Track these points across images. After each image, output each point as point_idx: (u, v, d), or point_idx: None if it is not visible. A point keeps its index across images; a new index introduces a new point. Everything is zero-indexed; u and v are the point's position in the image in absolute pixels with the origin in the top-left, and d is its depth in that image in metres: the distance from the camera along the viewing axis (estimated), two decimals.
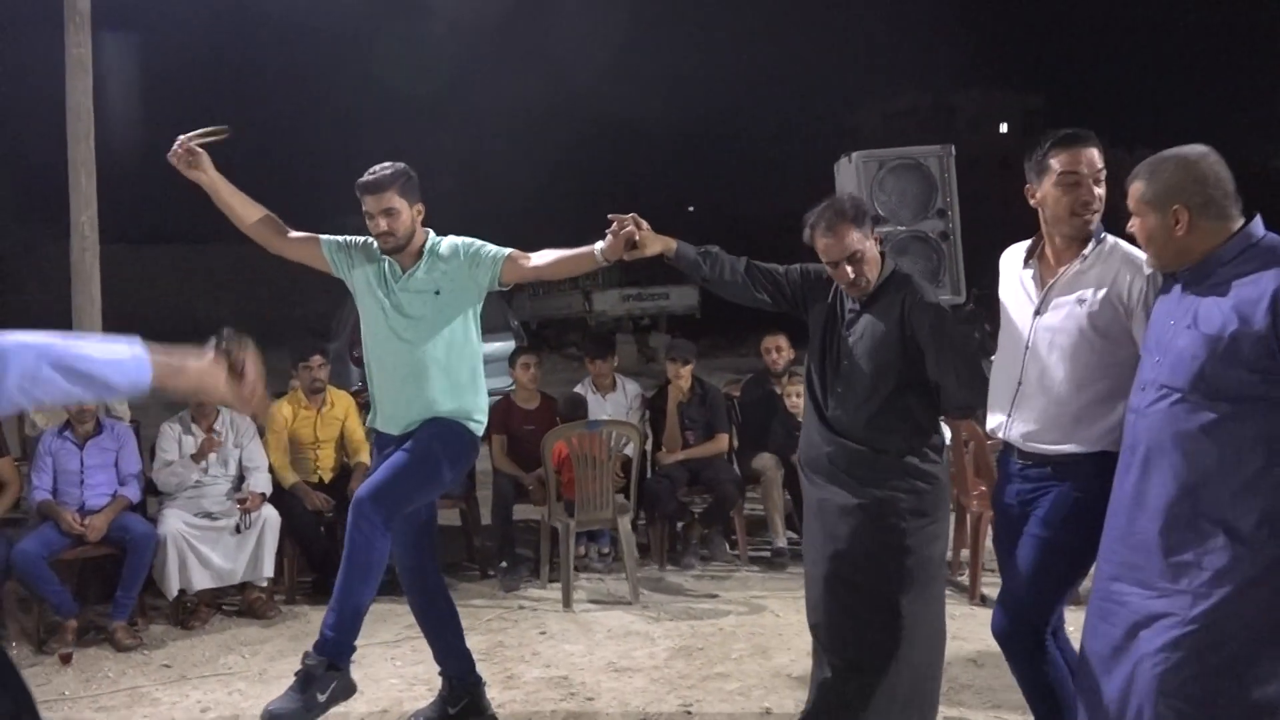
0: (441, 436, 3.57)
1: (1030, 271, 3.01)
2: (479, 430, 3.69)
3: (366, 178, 3.54)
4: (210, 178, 3.53)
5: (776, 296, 3.39)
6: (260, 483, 5.42)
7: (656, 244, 3.34)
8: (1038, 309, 2.94)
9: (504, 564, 5.58)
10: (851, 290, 3.19)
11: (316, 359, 5.79)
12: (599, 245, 3.42)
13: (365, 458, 5.76)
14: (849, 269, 3.13)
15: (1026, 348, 2.95)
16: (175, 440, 5.38)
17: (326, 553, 5.48)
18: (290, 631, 5.04)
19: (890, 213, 5.06)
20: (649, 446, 6.15)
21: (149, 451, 5.59)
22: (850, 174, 5.16)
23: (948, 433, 3.56)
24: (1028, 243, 3.09)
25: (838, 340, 3.24)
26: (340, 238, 3.74)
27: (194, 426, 5.40)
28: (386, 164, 3.57)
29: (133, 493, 5.24)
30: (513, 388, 6.19)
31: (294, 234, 3.71)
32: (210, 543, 5.15)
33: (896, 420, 3.13)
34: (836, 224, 3.11)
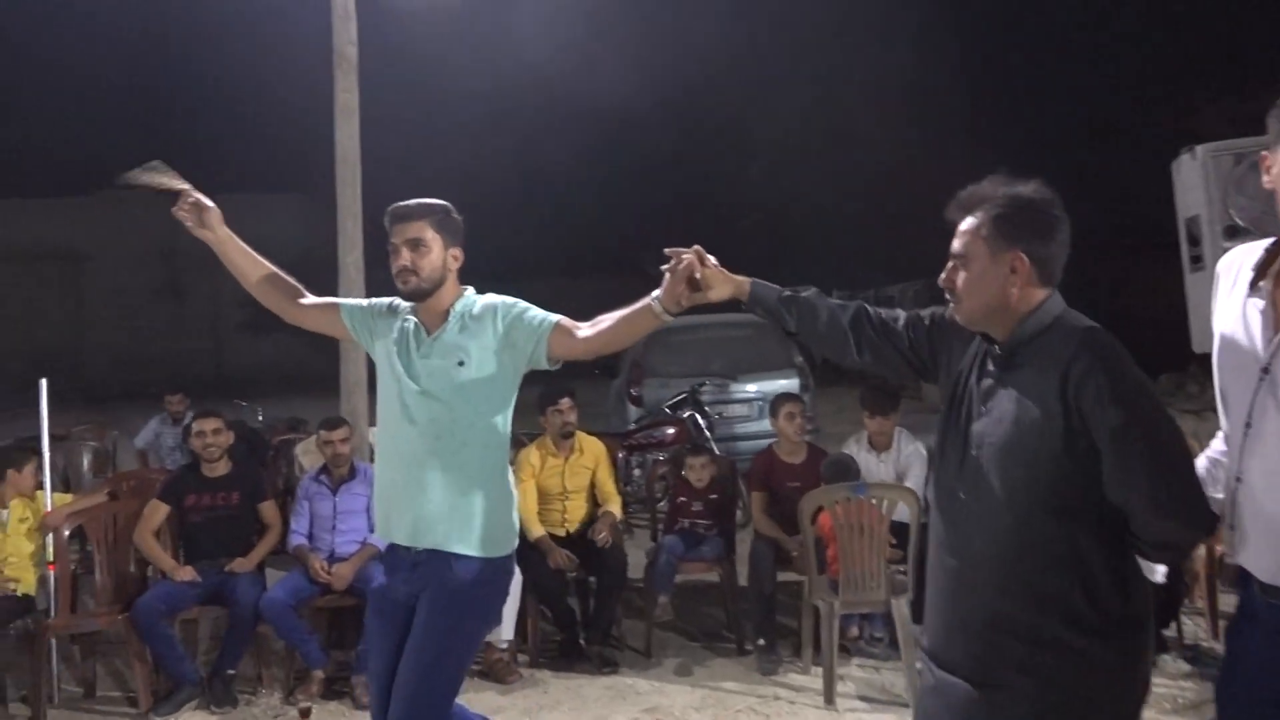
0: (457, 613, 2.94)
1: (1260, 302, 1.90)
2: (507, 550, 3.02)
3: (398, 205, 2.99)
4: (219, 236, 3.02)
5: (889, 357, 2.36)
6: None
7: (726, 285, 2.54)
8: (1266, 365, 1.84)
9: (761, 641, 4.90)
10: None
11: (565, 401, 5.43)
12: (654, 294, 2.68)
13: (615, 507, 5.38)
14: (947, 271, 2.13)
15: (1247, 426, 1.85)
16: None
17: (572, 613, 5.20)
18: (526, 702, 4.65)
19: (1252, 221, 3.92)
20: None
21: None
22: (1194, 173, 4.04)
23: (1158, 571, 2.14)
24: (1262, 246, 1.95)
25: (966, 418, 2.12)
26: (364, 301, 3.20)
27: None
28: (428, 198, 3.02)
29: (381, 541, 5.11)
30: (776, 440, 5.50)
31: (310, 299, 3.18)
32: None
33: (1050, 566, 1.97)
34: (973, 207, 2.10)
